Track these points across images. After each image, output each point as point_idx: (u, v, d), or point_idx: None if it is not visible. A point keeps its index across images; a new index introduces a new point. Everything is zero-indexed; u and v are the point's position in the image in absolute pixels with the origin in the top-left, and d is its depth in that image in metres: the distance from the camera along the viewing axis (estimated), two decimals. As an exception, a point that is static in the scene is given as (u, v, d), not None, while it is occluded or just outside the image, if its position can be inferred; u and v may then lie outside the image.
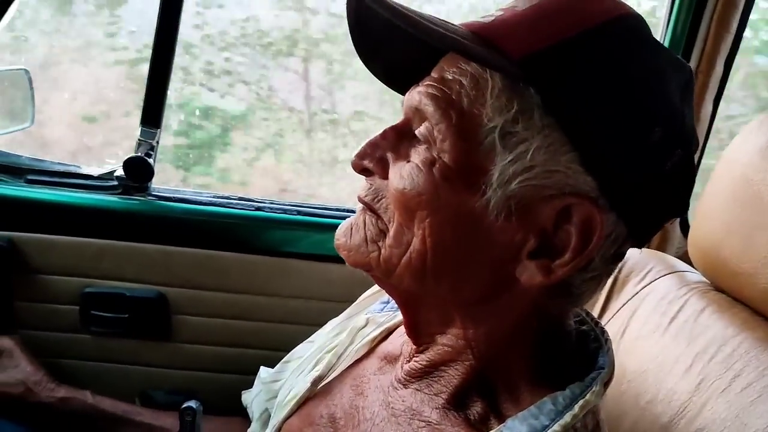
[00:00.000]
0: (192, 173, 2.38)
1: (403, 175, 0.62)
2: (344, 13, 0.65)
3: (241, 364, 1.35)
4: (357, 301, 0.96)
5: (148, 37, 1.26)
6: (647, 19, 0.64)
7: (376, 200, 0.66)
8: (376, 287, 0.96)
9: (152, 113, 1.28)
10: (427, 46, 0.61)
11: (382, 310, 0.88)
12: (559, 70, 0.58)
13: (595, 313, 1.05)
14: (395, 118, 0.69)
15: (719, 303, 0.92)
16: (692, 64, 1.38)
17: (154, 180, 1.31)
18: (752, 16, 1.41)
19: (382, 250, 0.65)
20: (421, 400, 0.68)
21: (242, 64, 2.41)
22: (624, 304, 1.03)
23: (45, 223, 1.26)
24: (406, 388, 0.71)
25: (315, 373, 0.84)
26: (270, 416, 0.91)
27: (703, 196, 0.96)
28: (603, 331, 0.71)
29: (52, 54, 2.33)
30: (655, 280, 1.02)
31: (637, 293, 1.02)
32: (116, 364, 1.33)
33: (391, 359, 0.78)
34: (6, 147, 1.39)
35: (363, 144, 0.67)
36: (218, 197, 1.35)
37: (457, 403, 0.66)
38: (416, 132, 0.63)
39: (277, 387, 0.94)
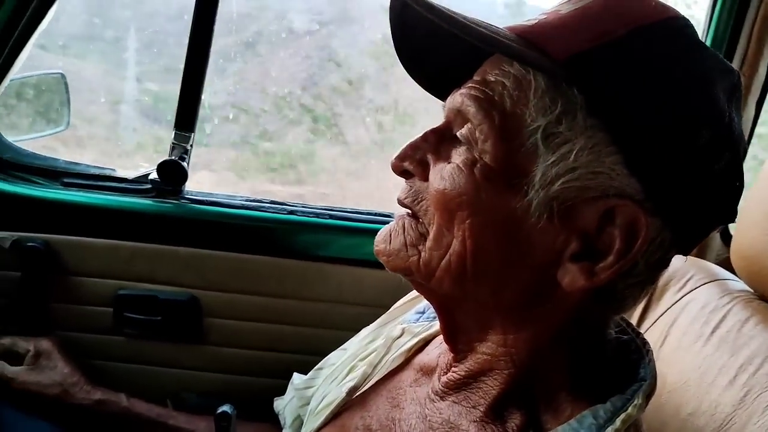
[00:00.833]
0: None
1: (443, 175, 0.62)
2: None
3: (272, 368, 1.35)
4: (390, 309, 0.96)
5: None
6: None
7: (415, 202, 0.65)
8: (409, 295, 0.95)
9: (186, 117, 1.28)
10: (468, 50, 0.61)
11: (417, 320, 0.87)
12: (603, 70, 0.57)
13: (633, 321, 1.03)
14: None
15: (764, 313, 0.90)
16: (734, 66, 1.35)
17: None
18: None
19: (422, 254, 0.64)
20: (459, 413, 0.67)
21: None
22: (663, 313, 1.00)
23: (80, 225, 1.27)
24: (443, 400, 0.70)
25: (350, 383, 0.83)
26: (302, 423, 0.91)
27: (746, 202, 0.93)
28: (644, 342, 0.69)
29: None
30: (696, 288, 1.00)
31: (677, 302, 1.00)
32: (149, 366, 1.34)
33: (428, 371, 0.77)
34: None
35: (403, 146, 0.67)
36: (251, 201, 1.35)
37: (495, 415, 0.65)
38: (457, 133, 0.63)
39: (309, 394, 0.94)
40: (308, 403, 0.92)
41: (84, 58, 2.72)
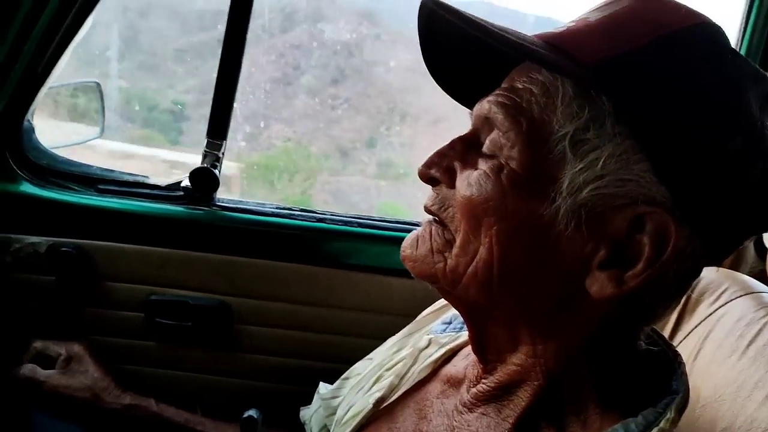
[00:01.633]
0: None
1: (470, 182, 0.62)
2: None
3: (299, 376, 1.35)
4: (417, 318, 0.96)
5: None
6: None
7: (442, 209, 0.66)
8: (435, 305, 0.95)
9: (218, 125, 1.30)
10: (496, 59, 0.62)
11: (444, 330, 0.87)
12: (631, 77, 0.57)
13: (666, 334, 1.01)
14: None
15: (802, 327, 0.88)
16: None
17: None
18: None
19: (448, 260, 0.64)
20: (488, 425, 0.67)
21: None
22: (697, 326, 0.99)
23: (113, 231, 1.29)
24: (471, 412, 0.69)
25: (377, 394, 0.83)
26: None
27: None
28: (676, 354, 0.68)
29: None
30: (731, 300, 0.98)
31: (711, 314, 0.98)
32: (178, 371, 1.35)
33: (455, 382, 0.77)
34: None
35: (430, 154, 0.67)
36: (281, 208, 1.35)
37: (524, 427, 0.65)
38: (485, 141, 0.63)
39: (335, 404, 0.94)
40: (334, 413, 0.92)
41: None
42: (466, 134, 0.67)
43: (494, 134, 0.62)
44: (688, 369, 0.68)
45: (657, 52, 0.57)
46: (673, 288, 0.61)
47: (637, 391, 0.64)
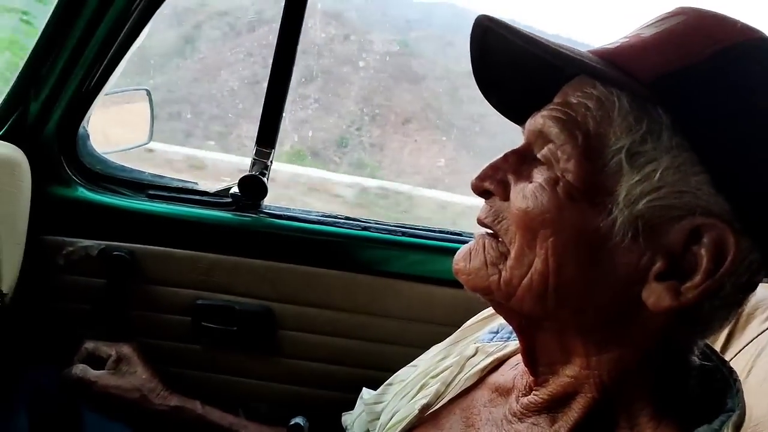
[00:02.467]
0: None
1: (526, 194, 0.62)
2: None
3: (340, 382, 1.36)
4: (462, 327, 0.96)
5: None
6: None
7: (496, 222, 0.66)
8: (482, 314, 0.95)
9: (267, 134, 1.32)
10: (548, 74, 0.62)
11: (491, 339, 0.87)
12: (689, 90, 0.57)
13: (718, 348, 0.99)
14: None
15: None
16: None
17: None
18: None
19: (503, 273, 0.64)
20: None
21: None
22: (749, 343, 0.97)
23: (163, 236, 1.32)
24: (521, 422, 0.69)
25: (422, 400, 0.83)
26: None
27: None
28: (731, 371, 0.67)
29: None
30: (784, 318, 0.97)
31: (763, 332, 0.96)
32: (222, 374, 1.37)
33: (503, 392, 0.77)
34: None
35: (484, 167, 0.68)
36: (326, 216, 1.37)
37: None
38: (539, 154, 0.63)
39: (379, 409, 0.94)
40: (378, 418, 0.92)
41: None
42: (519, 147, 0.67)
43: (549, 147, 0.62)
44: None
45: (715, 66, 0.57)
46: (731, 301, 0.60)
47: (691, 406, 0.63)
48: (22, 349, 1.29)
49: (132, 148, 1.59)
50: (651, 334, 0.61)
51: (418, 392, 0.88)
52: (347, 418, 1.03)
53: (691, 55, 0.58)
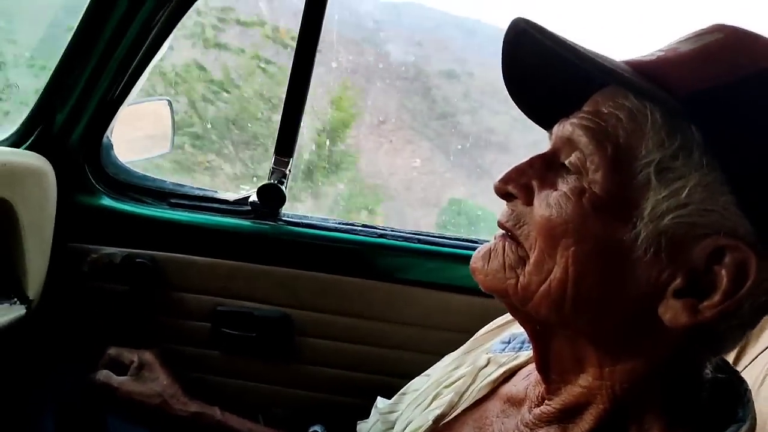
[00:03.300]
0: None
1: (550, 202, 0.62)
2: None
3: (358, 388, 1.38)
4: (474, 336, 0.96)
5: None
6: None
7: (517, 226, 0.66)
8: (493, 323, 0.95)
9: (286, 143, 1.34)
10: (578, 81, 0.62)
11: (503, 350, 0.87)
12: (724, 110, 0.57)
13: (729, 360, 0.99)
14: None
15: None
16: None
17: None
18: None
19: (521, 277, 0.64)
20: None
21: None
22: (762, 352, 0.97)
23: (184, 243, 1.34)
24: None
25: (436, 411, 0.84)
26: None
27: None
28: (742, 382, 0.67)
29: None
30: (798, 327, 0.96)
31: (777, 342, 0.96)
32: (241, 380, 1.39)
33: (515, 402, 0.77)
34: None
35: (508, 169, 0.67)
36: (343, 224, 1.38)
37: None
38: (566, 162, 0.63)
39: (393, 418, 0.94)
40: (392, 428, 0.93)
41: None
42: (545, 153, 0.67)
43: (577, 156, 0.62)
44: (753, 396, 0.66)
45: (750, 87, 0.57)
46: (746, 321, 0.60)
47: (703, 418, 0.63)
48: (48, 353, 1.32)
49: (154, 156, 1.62)
50: (665, 349, 0.62)
51: (431, 402, 0.88)
52: (362, 427, 1.03)
53: (727, 74, 0.57)
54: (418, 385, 0.97)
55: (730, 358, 1.00)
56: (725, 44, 0.59)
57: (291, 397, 1.39)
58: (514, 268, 0.65)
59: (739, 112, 0.57)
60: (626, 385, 0.63)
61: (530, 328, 0.70)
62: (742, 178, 0.56)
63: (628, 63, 0.62)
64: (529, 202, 0.65)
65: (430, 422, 0.83)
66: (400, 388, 1.00)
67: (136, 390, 1.19)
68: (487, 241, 0.70)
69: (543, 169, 0.66)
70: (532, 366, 0.78)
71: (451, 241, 1.40)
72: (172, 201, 1.38)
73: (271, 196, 1.32)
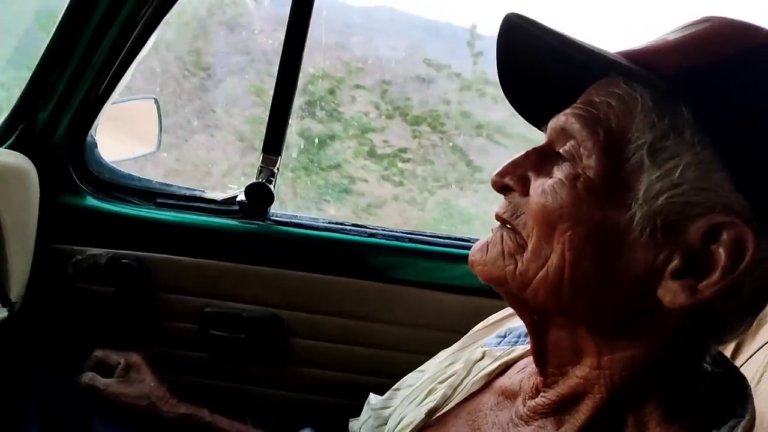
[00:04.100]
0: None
1: (545, 189, 0.63)
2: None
3: (349, 389, 1.36)
4: (470, 332, 0.95)
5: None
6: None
7: (514, 216, 0.66)
8: (490, 319, 0.95)
9: (273, 141, 1.33)
10: (572, 79, 0.63)
11: (498, 344, 0.87)
12: (712, 87, 0.57)
13: (727, 355, 0.99)
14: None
15: None
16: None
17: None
18: None
19: (519, 264, 0.64)
20: None
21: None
22: (759, 349, 0.96)
23: (170, 243, 1.33)
24: (528, 425, 0.69)
25: (430, 404, 0.83)
26: None
27: None
28: (742, 377, 0.67)
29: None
30: (794, 322, 0.96)
31: (775, 336, 0.96)
32: (230, 382, 1.38)
33: (510, 395, 0.76)
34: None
35: (505, 163, 0.68)
36: (333, 223, 1.37)
37: None
38: (561, 150, 0.64)
39: (386, 414, 0.94)
40: (385, 423, 0.92)
41: None
42: (541, 146, 0.68)
43: (571, 143, 0.63)
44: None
45: (738, 65, 0.58)
46: (748, 303, 0.60)
47: (701, 412, 0.63)
48: (32, 357, 1.30)
49: (140, 156, 1.60)
50: (665, 334, 0.61)
51: (425, 397, 0.87)
52: (354, 424, 1.03)
53: (715, 53, 0.58)
54: (412, 380, 0.96)
55: (727, 354, 0.99)
56: (713, 31, 0.60)
57: (281, 398, 1.38)
58: (513, 255, 0.65)
59: (727, 89, 0.57)
60: (625, 373, 0.63)
61: (528, 318, 0.70)
62: (734, 154, 0.56)
63: (619, 53, 0.62)
64: (526, 193, 0.65)
65: (423, 416, 0.82)
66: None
67: (123, 392, 1.18)
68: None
69: (539, 161, 0.66)
70: (527, 359, 0.78)
71: (444, 240, 1.39)
72: (159, 201, 1.36)
73: (260, 195, 1.31)
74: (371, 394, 1.01)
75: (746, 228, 0.56)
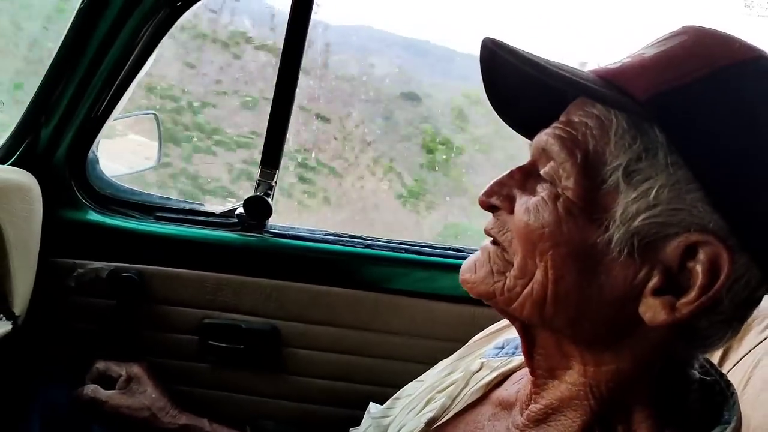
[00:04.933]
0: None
1: (528, 207, 0.64)
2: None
3: (347, 399, 1.38)
4: (469, 342, 0.97)
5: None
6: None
7: (501, 233, 0.68)
8: (488, 330, 0.96)
9: (271, 155, 1.34)
10: (556, 93, 0.64)
11: (496, 355, 0.88)
12: (684, 109, 0.58)
13: (714, 361, 1.01)
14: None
15: None
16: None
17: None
18: None
19: (507, 280, 0.66)
20: None
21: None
22: (746, 354, 0.98)
23: (170, 256, 1.34)
24: None
25: (429, 414, 0.84)
26: None
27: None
28: (728, 384, 0.68)
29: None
30: (780, 328, 0.98)
31: (760, 343, 0.97)
32: (230, 392, 1.39)
33: (506, 406, 0.78)
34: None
35: (490, 183, 0.70)
36: (330, 235, 1.39)
37: None
38: (542, 171, 0.65)
39: (386, 423, 0.95)
40: None
41: None
42: (525, 165, 0.69)
43: (551, 165, 0.64)
44: (738, 398, 0.67)
45: (710, 86, 0.59)
46: (729, 316, 0.61)
47: (690, 419, 0.64)
48: (35, 369, 1.32)
49: (141, 170, 1.62)
50: (650, 348, 0.63)
51: (424, 406, 0.88)
52: None
53: (686, 75, 0.59)
54: (411, 390, 0.97)
55: (714, 361, 1.01)
56: (686, 47, 0.61)
57: (280, 408, 1.39)
58: (501, 272, 0.67)
59: (699, 110, 0.58)
60: (612, 384, 0.65)
61: (518, 323, 0.72)
62: (708, 173, 0.57)
63: (595, 72, 0.64)
64: (512, 211, 0.67)
65: (423, 426, 0.83)
66: (389, 398, 1.00)
67: (125, 403, 1.19)
68: (474, 250, 0.72)
69: (523, 180, 0.68)
70: (524, 370, 0.79)
71: (438, 251, 1.40)
72: (158, 215, 1.38)
73: (258, 208, 1.33)
74: (371, 403, 1.02)
75: (721, 246, 0.57)
